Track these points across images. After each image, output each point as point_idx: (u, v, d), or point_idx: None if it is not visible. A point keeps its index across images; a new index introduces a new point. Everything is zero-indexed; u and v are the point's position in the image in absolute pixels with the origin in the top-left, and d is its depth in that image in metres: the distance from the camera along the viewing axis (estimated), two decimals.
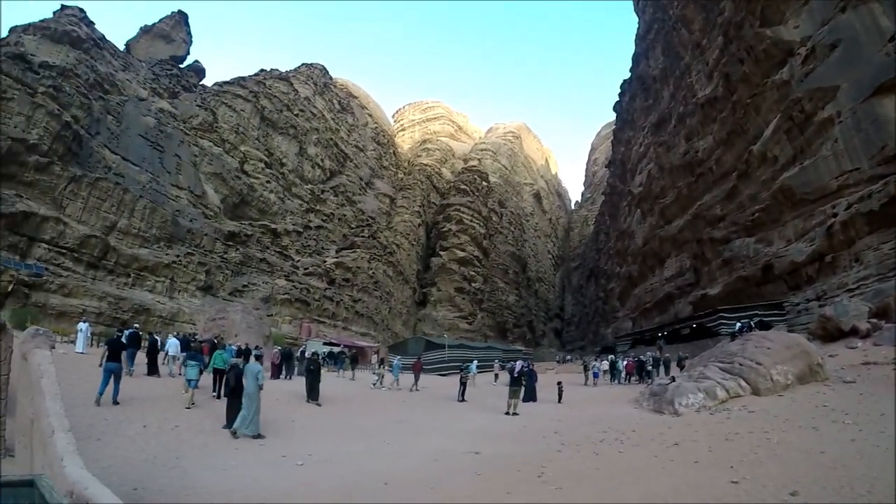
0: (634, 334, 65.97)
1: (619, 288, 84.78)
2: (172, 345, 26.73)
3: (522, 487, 9.74)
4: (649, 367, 34.82)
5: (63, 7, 58.74)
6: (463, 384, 29.41)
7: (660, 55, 70.59)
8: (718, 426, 14.79)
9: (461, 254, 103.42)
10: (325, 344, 49.89)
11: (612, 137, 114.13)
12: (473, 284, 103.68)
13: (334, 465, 11.95)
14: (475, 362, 42.75)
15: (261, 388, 15.21)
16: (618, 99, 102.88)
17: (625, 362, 38.65)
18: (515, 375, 24.28)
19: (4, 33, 54.11)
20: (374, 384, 31.74)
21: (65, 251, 46.16)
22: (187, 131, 65.74)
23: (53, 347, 7.68)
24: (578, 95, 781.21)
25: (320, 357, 27.91)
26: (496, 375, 44.24)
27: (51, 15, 57.40)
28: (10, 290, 40.29)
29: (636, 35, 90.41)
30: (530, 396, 26.37)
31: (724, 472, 9.78)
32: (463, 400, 28.20)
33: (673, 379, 23.11)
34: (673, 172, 59.54)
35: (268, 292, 63.88)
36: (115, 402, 16.29)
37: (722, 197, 49.03)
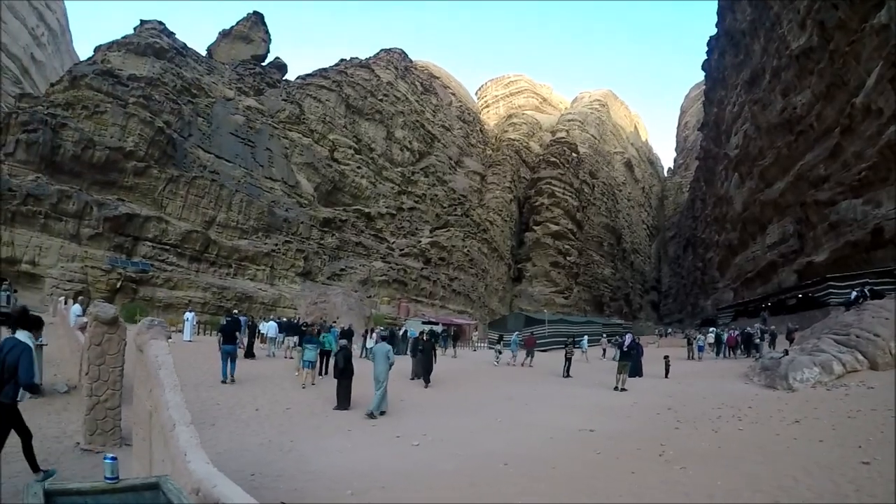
0: (736, 306, 61.65)
1: (719, 257, 79.08)
2: (271, 328, 27.64)
3: (645, 467, 9.34)
4: (757, 340, 32.37)
5: (142, 22, 60.89)
6: (568, 360, 27.56)
7: (746, 6, 64.99)
8: (838, 403, 14.14)
9: (555, 227, 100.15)
10: (423, 323, 49.07)
11: (702, 99, 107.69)
12: (568, 258, 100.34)
13: (450, 445, 11.60)
14: (586, 337, 41.10)
15: (391, 366, 15.35)
16: (706, 57, 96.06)
17: (727, 335, 36.21)
18: (625, 349, 23.27)
19: (90, 53, 56.65)
20: (497, 361, 31.88)
21: (168, 247, 48.02)
22: (276, 125, 66.32)
23: (170, 338, 7.28)
24: (663, 57, 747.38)
25: (427, 335, 26.58)
26: (604, 350, 41.75)
27: (132, 31, 59.57)
28: (118, 286, 42.54)
29: None
30: (636, 371, 25.03)
31: (853, 451, 9.37)
32: (568, 376, 26.67)
33: (786, 352, 21.32)
34: (770, 131, 54.53)
35: (365, 275, 63.76)
36: (232, 380, 18.04)
37: (825, 156, 44.18)
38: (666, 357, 26.59)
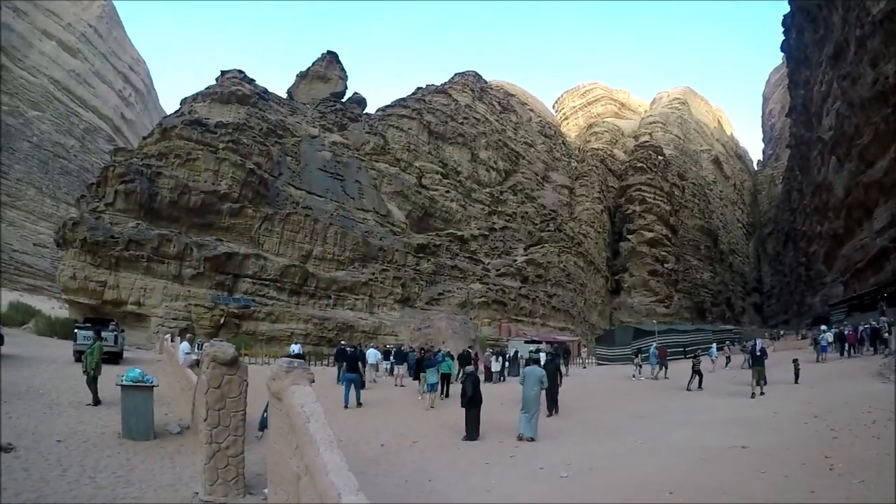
0: (849, 300, 54.93)
1: (823, 249, 70.78)
2: (372, 354, 27.08)
3: (821, 484, 8.31)
4: (886, 335, 28.52)
5: (223, 72, 62.79)
6: (696, 372, 24.29)
7: None
8: None
9: (649, 235, 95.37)
10: (526, 342, 46.68)
11: (784, 83, 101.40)
12: (666, 265, 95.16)
13: (600, 475, 10.21)
14: (715, 345, 37.70)
15: (543, 388, 14.44)
16: (783, 38, 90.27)
17: (849, 331, 31.98)
18: (758, 354, 21.60)
19: (176, 106, 58.55)
20: (634, 375, 30.75)
21: (268, 282, 48.36)
22: (362, 158, 66.32)
23: (313, 382, 6.40)
24: (737, 44, 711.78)
25: (547, 355, 24.30)
26: (728, 358, 37.76)
27: (214, 81, 61.12)
28: (222, 322, 42.95)
29: None
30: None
31: None
32: (697, 388, 23.74)
33: None
34: (865, 107, 48.71)
35: (464, 298, 62.00)
36: (359, 404, 18.77)
37: None
38: (795, 361, 23.93)
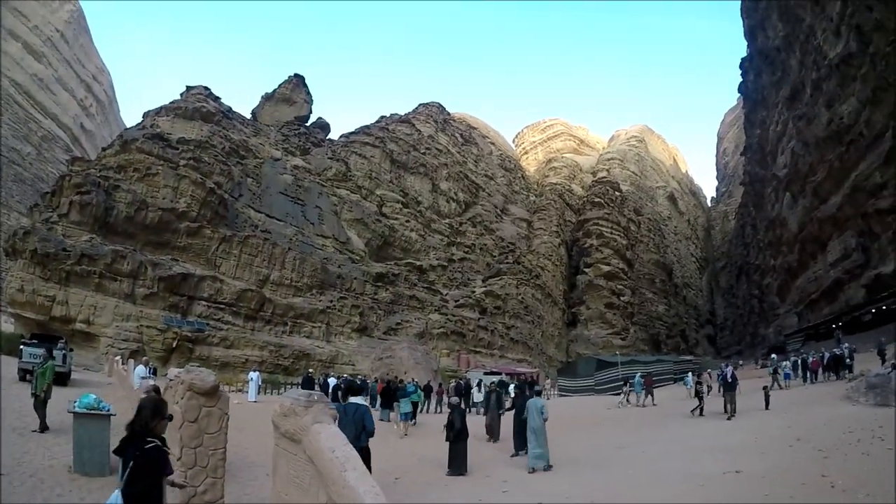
0: (805, 329, 57.05)
1: (777, 282, 73.56)
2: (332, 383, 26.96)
3: (829, 500, 8.36)
4: (848, 361, 29.65)
5: (188, 88, 61.50)
6: (700, 397, 24.16)
7: (777, 22, 62.65)
8: None
9: (606, 268, 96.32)
10: (485, 374, 46.17)
11: (739, 123, 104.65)
12: (622, 298, 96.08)
13: None
14: (690, 374, 38.20)
15: (545, 420, 14.16)
16: (741, 80, 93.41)
17: (812, 359, 33.34)
18: (729, 381, 22.49)
19: (138, 120, 57.11)
20: (620, 403, 31.86)
21: (223, 306, 47.00)
22: (324, 183, 65.58)
23: (335, 419, 5.44)
24: (695, 86, 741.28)
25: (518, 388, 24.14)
26: (709, 387, 38.04)
27: (179, 97, 59.92)
28: (174, 346, 41.46)
29: (742, 9, 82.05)
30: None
31: None
32: (699, 415, 23.44)
33: (894, 367, 19.50)
34: (819, 146, 51.06)
35: (422, 328, 61.30)
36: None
37: (879, 163, 41.56)
38: (765, 388, 24.36)
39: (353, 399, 8.56)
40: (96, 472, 10.03)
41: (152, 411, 4.72)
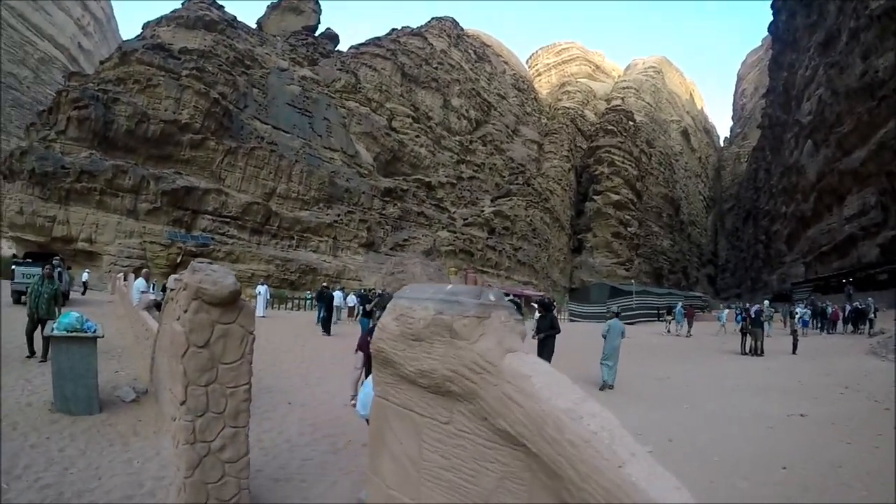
0: (814, 281, 55.11)
1: (787, 230, 70.70)
2: (338, 297, 27.28)
3: None
4: (871, 316, 28.73)
5: None
6: (745, 333, 22.66)
7: None
8: None
9: (615, 197, 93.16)
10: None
11: (762, 65, 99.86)
12: (629, 229, 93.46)
13: (690, 448, 8.20)
14: (725, 311, 37.59)
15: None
16: (772, 18, 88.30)
17: (831, 309, 32.84)
18: (753, 316, 22.63)
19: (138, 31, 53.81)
20: (667, 331, 32.74)
21: (228, 220, 45.24)
22: (332, 95, 62.42)
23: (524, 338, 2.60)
24: (717, 23, 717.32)
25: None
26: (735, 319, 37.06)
27: (180, 5, 56.18)
28: (179, 261, 39.86)
29: None
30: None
31: None
32: (760, 354, 21.64)
33: None
34: (849, 97, 48.09)
35: (429, 245, 59.60)
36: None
37: None
38: (794, 332, 23.40)
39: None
40: (82, 409, 7.82)
41: None
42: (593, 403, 1.99)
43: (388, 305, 2.87)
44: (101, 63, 49.13)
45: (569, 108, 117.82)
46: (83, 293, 30.11)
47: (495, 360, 2.24)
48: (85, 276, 32.16)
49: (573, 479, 1.79)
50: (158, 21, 53.72)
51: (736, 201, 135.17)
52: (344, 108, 62.68)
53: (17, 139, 74.93)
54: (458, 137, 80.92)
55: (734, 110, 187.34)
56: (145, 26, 54.25)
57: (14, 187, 37.03)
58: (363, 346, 5.83)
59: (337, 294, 27.53)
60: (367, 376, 5.29)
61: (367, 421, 5.07)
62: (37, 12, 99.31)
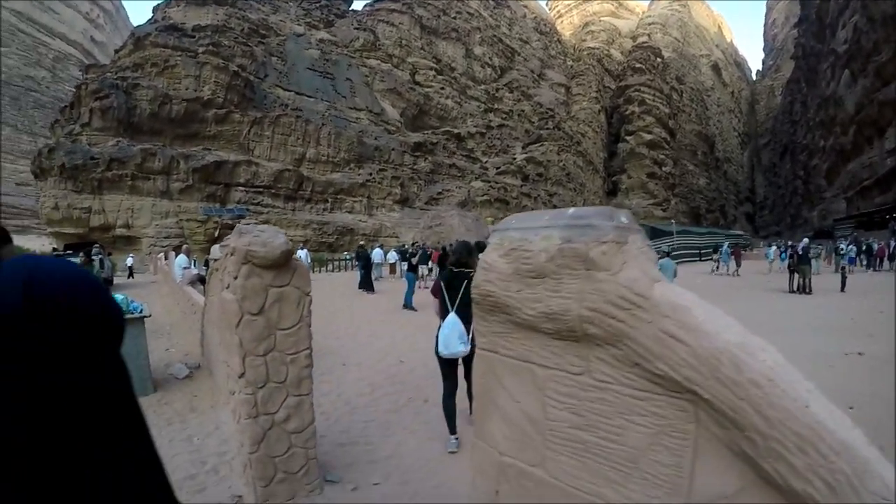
0: (856, 217, 52.78)
1: (826, 164, 67.68)
2: (377, 254, 27.60)
3: None
4: None
5: None
6: (794, 271, 21.96)
7: None
8: None
9: (648, 136, 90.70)
10: None
11: None
12: (664, 168, 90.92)
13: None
14: (772, 248, 36.30)
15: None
16: None
17: (876, 246, 32.39)
18: (801, 253, 21.60)
19: (148, 15, 53.18)
20: (713, 270, 32.76)
21: (261, 189, 45.21)
22: (352, 55, 61.36)
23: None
24: None
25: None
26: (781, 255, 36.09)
27: None
28: (216, 235, 39.54)
29: None
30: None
31: None
32: (808, 292, 20.88)
33: None
34: (886, 23, 45.25)
35: (464, 196, 58.86)
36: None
37: None
38: (843, 268, 22.98)
39: None
40: (137, 391, 6.74)
41: (466, 249, 5.77)
42: (755, 336, 1.58)
43: (490, 240, 2.33)
44: (116, 52, 48.90)
45: (594, 49, 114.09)
46: (129, 277, 30.95)
47: (645, 291, 1.73)
48: (129, 261, 32.84)
49: (759, 426, 1.41)
50: (168, 3, 53.06)
51: (772, 136, 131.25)
52: (365, 66, 61.65)
53: (44, 139, 76.47)
54: (483, 86, 79.17)
55: (765, 41, 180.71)
56: (155, 9, 53.71)
57: (47, 184, 37.39)
58: (435, 291, 5.98)
59: (377, 252, 27.85)
60: (442, 320, 5.66)
61: (442, 360, 5.64)
62: (45, 13, 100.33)
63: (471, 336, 5.50)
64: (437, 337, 5.60)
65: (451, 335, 5.40)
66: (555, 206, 69.72)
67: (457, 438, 5.67)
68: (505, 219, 2.34)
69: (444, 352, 5.45)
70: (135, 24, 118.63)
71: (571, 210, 2.00)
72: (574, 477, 1.96)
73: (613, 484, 1.82)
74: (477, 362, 2.46)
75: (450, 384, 5.71)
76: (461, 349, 5.41)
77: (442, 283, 5.66)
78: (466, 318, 5.34)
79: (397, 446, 5.68)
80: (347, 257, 38.45)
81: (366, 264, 21.78)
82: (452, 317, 5.42)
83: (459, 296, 5.42)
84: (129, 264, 32.38)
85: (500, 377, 2.28)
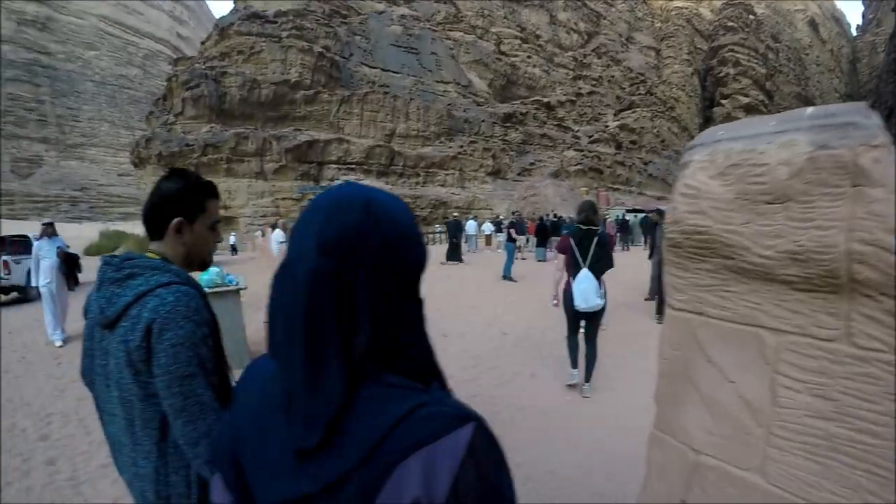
0: None
1: None
2: (471, 226, 27.96)
3: None
4: None
5: None
6: None
7: None
8: None
9: (745, 100, 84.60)
10: (628, 211, 41.84)
11: None
12: None
13: None
14: None
15: None
16: None
17: None
18: None
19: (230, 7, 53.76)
20: None
21: (354, 166, 45.02)
22: (434, 28, 60.02)
23: None
24: None
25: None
26: None
27: None
28: None
29: None
30: None
31: None
32: None
33: None
34: None
35: (556, 166, 56.70)
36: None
37: None
38: None
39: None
40: (234, 364, 6.29)
41: (592, 208, 6.01)
42: None
43: (694, 155, 1.81)
44: (202, 44, 49.89)
45: (682, 8, 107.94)
46: (233, 254, 32.64)
47: None
48: (232, 240, 34.32)
49: None
50: None
51: (877, 97, 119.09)
52: (449, 39, 60.25)
53: (141, 131, 79.95)
54: (570, 53, 76.04)
55: None
56: (236, 0, 54.43)
57: (146, 172, 38.51)
58: (563, 248, 6.04)
59: (471, 223, 28.18)
60: (571, 278, 5.82)
61: (577, 315, 5.78)
62: (130, 16, 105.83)
63: (603, 290, 5.74)
64: (566, 292, 5.84)
65: (589, 289, 5.54)
66: (650, 175, 66.95)
67: (577, 371, 5.97)
68: (704, 131, 1.84)
69: (581, 305, 5.62)
70: (217, 17, 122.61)
71: (810, 109, 1.47)
72: (807, 485, 1.38)
73: (866, 494, 1.26)
74: (666, 329, 1.83)
75: (574, 325, 5.99)
76: (599, 302, 5.58)
77: (572, 240, 5.80)
78: (596, 274, 5.63)
79: (505, 424, 5.33)
80: (440, 230, 37.63)
81: (452, 233, 20.89)
82: (586, 272, 5.58)
83: (591, 253, 5.62)
84: (231, 242, 33.69)
85: (704, 347, 1.67)
